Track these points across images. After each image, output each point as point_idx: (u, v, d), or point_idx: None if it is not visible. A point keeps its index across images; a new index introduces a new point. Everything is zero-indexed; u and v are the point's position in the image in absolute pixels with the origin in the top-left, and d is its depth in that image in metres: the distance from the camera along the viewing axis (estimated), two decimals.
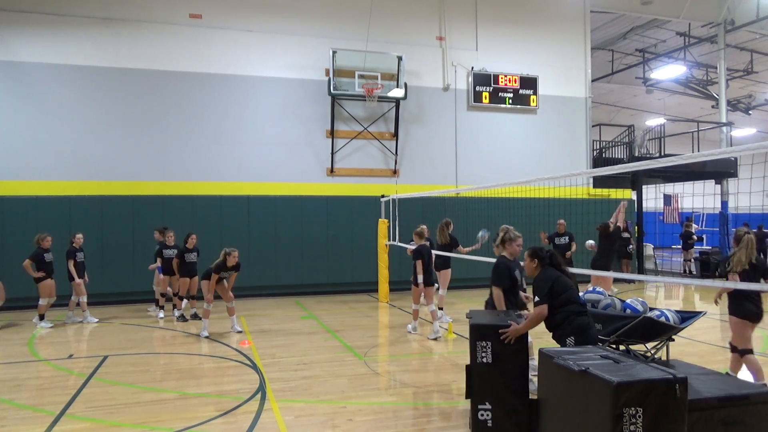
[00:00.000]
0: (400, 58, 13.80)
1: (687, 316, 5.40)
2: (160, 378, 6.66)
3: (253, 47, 13.63)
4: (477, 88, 15.14)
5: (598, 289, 6.10)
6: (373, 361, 7.32)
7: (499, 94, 15.32)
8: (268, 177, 13.64)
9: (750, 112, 24.54)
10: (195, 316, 10.35)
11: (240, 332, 9.10)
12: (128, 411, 5.43)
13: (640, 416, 3.07)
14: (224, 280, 9.03)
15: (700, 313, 5.64)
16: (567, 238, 11.75)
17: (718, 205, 18.26)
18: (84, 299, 10.16)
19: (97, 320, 10.30)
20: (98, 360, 7.43)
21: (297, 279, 13.56)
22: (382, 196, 13.24)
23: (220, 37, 13.42)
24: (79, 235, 10.25)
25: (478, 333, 4.61)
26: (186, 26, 13.19)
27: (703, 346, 8.15)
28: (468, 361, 4.73)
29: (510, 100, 15.40)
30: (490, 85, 15.24)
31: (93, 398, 5.82)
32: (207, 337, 8.74)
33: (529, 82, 15.52)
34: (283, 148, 13.76)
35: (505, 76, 15.36)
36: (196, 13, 13.25)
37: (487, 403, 4.54)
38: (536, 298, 4.59)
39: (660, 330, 5.18)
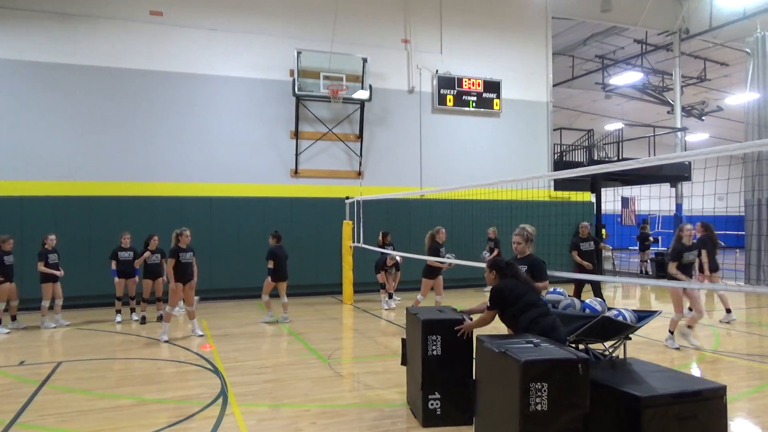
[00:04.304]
0: (365, 60, 13.81)
1: (643, 315, 5.54)
2: (116, 384, 6.47)
3: (216, 46, 13.42)
4: (441, 91, 15.26)
5: (558, 289, 6.20)
6: (337, 364, 7.28)
7: (463, 97, 15.48)
8: (232, 178, 13.44)
9: (703, 118, 25.44)
10: (160, 318, 10.15)
11: (201, 336, 8.93)
12: (83, 419, 5.26)
13: (545, 390, 3.43)
14: (190, 277, 8.85)
15: (655, 312, 5.80)
16: (592, 243, 10.98)
17: (673, 207, 18.88)
18: (59, 302, 9.91)
19: (68, 323, 10.01)
20: (52, 366, 7.17)
21: (260, 281, 13.24)
22: (347, 198, 13.22)
23: (182, 36, 13.17)
24: (52, 237, 9.97)
25: (429, 328, 4.97)
26: (146, 23, 12.89)
27: (658, 344, 8.39)
28: (404, 335, 5.58)
29: (474, 104, 15.58)
30: (454, 89, 15.39)
31: (46, 406, 5.61)
32: (167, 342, 8.55)
33: (493, 86, 15.73)
34: (246, 148, 13.59)
35: (469, 79, 15.53)
36: (156, 10, 12.97)
37: (436, 393, 4.93)
38: (487, 305, 4.76)
39: (618, 329, 5.29)
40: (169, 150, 13.00)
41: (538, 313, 4.57)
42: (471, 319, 5.07)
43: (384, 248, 11.97)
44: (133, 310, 10.56)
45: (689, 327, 7.91)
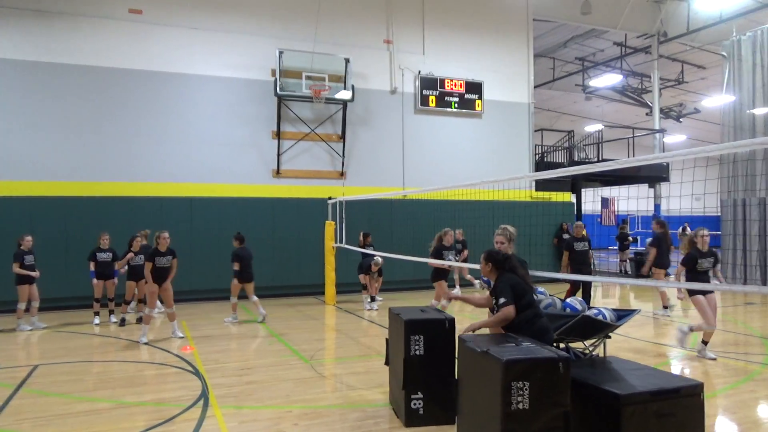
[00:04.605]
0: (347, 60, 13.78)
1: (623, 314, 5.62)
2: (94, 387, 6.37)
3: (196, 45, 13.29)
4: (424, 92, 15.30)
5: (540, 289, 6.25)
6: (319, 364, 7.26)
7: (446, 98, 15.53)
8: (213, 178, 13.32)
9: (681, 119, 25.87)
10: (140, 321, 10.04)
11: (181, 338, 8.83)
12: (60, 422, 5.17)
13: (526, 389, 3.46)
14: (166, 279, 8.76)
15: (634, 311, 5.90)
16: (587, 243, 10.79)
17: (652, 207, 19.16)
18: (36, 304, 9.73)
19: (44, 326, 9.84)
20: (28, 369, 7.03)
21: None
22: (329, 198, 13.18)
23: (162, 34, 13.01)
24: (28, 238, 9.76)
25: (412, 327, 4.97)
26: (125, 21, 12.72)
27: (637, 342, 8.50)
28: (387, 335, 5.58)
29: (456, 105, 15.64)
30: (436, 89, 15.43)
31: (22, 410, 5.50)
32: (146, 344, 8.44)
33: (475, 87, 15.81)
34: (228, 148, 13.48)
35: (452, 80, 15.59)
36: (136, 8, 12.80)
37: (419, 393, 4.95)
38: (501, 300, 4.50)
39: (598, 328, 5.36)
40: (149, 149, 12.84)
41: (533, 314, 4.54)
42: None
43: (365, 249, 11.95)
44: (111, 312, 10.41)
45: (704, 342, 7.44)
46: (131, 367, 7.24)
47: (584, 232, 11.03)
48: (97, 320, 10.16)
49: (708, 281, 7.31)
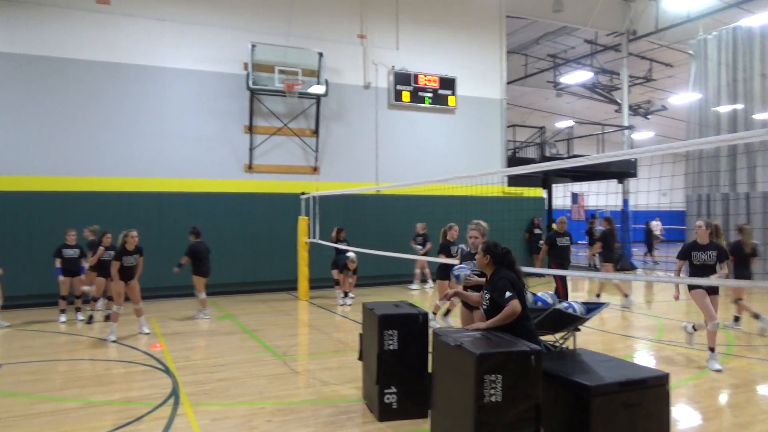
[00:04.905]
0: (321, 55, 13.68)
1: (592, 307, 5.73)
2: (61, 386, 6.22)
3: (165, 38, 13.03)
4: (397, 87, 15.29)
5: None
6: (292, 360, 7.22)
7: (419, 93, 15.56)
8: (183, 173, 13.10)
9: (649, 116, 26.39)
10: (108, 318, 9.85)
11: (148, 334, 8.69)
12: (26, 423, 5.03)
13: (499, 382, 3.50)
14: (132, 277, 8.60)
15: (603, 304, 6.03)
16: (569, 239, 10.72)
17: (620, 202, 19.54)
18: None
19: (7, 324, 9.57)
20: None
21: (213, 278, 13.00)
22: (303, 194, 13.09)
23: (130, 26, 12.72)
24: None
25: (385, 322, 4.99)
26: (92, 12, 12.39)
27: (606, 335, 8.67)
28: (361, 330, 5.63)
29: (429, 100, 15.68)
30: (410, 85, 15.44)
31: None
32: (114, 342, 8.28)
33: (448, 83, 15.87)
34: (198, 143, 13.27)
35: (425, 76, 15.61)
36: None
37: (392, 387, 4.98)
38: (507, 294, 4.18)
39: (568, 321, 5.45)
40: (118, 144, 12.56)
41: (524, 315, 4.32)
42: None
43: (338, 244, 11.90)
44: (78, 310, 10.18)
45: (711, 350, 6.75)
46: (99, 366, 7.10)
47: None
48: (63, 318, 9.92)
49: (707, 275, 6.74)
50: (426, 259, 12.37)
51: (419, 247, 13.60)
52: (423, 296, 12.89)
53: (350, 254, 11.47)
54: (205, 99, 13.37)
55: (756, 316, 8.64)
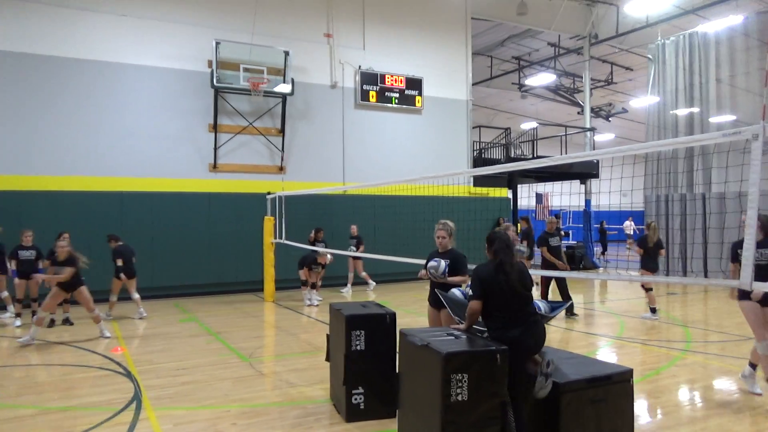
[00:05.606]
0: (287, 53, 13.55)
1: (556, 306, 5.80)
2: (16, 393, 5.98)
3: (126, 33, 12.70)
4: (364, 87, 15.28)
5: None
6: (258, 362, 7.12)
7: (386, 93, 15.57)
8: (145, 172, 12.81)
9: (610, 119, 27.06)
10: (66, 321, 9.55)
11: (109, 338, 8.45)
12: None
13: (465, 381, 3.53)
14: (72, 287, 8.34)
15: (565, 302, 6.12)
16: (559, 239, 10.43)
17: (582, 203, 19.96)
18: None
19: None
20: None
21: (176, 280, 12.86)
22: (269, 194, 12.95)
23: (89, 20, 12.36)
24: None
25: (353, 323, 4.98)
26: (48, 5, 11.98)
27: (570, 333, 8.84)
28: (328, 331, 5.63)
29: (396, 100, 15.72)
30: (377, 85, 15.44)
31: None
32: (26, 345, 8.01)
33: (415, 83, 15.93)
34: (161, 141, 12.98)
35: (392, 76, 15.64)
36: None
37: (360, 388, 4.97)
38: (470, 293, 4.07)
39: None
40: (77, 141, 12.19)
41: (502, 323, 3.98)
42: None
43: (315, 245, 11.72)
44: (35, 314, 9.80)
45: (752, 366, 5.74)
46: (57, 371, 6.87)
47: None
48: (18, 322, 9.56)
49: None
50: (358, 255, 12.54)
51: (353, 249, 13.14)
52: (356, 298, 12.69)
53: (328, 255, 11.35)
54: (168, 97, 13.10)
55: (653, 310, 9.83)
